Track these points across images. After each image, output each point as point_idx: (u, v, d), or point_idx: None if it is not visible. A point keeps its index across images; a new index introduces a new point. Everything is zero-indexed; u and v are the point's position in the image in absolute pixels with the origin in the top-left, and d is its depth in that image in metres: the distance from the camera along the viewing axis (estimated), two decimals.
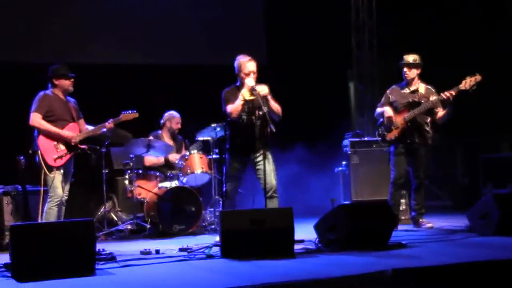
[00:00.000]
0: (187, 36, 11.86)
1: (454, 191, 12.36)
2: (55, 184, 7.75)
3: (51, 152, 7.76)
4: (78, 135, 7.95)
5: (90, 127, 8.18)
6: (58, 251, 5.68)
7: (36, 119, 7.78)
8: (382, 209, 7.25)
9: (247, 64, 7.66)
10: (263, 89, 7.48)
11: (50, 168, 7.72)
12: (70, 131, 7.92)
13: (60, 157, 7.78)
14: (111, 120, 8.19)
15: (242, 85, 7.66)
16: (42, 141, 7.77)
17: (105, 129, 8.18)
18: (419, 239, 7.44)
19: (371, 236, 6.79)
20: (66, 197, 7.96)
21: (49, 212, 7.75)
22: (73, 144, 7.87)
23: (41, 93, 7.93)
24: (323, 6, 12.37)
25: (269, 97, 7.52)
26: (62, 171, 7.81)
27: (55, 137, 7.81)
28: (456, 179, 12.65)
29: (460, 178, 12.54)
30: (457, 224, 8.45)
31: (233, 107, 7.54)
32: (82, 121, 8.19)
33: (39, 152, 7.73)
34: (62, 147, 7.83)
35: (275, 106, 7.59)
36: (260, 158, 7.63)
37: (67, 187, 7.98)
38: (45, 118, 7.80)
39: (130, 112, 8.35)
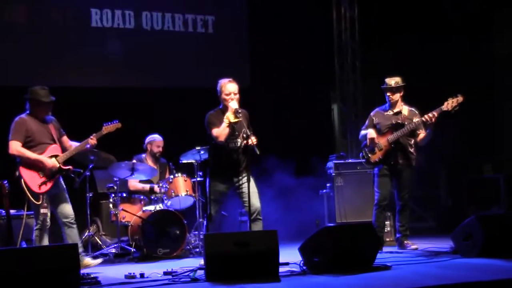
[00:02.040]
0: (170, 59, 11.87)
1: (438, 212, 12.40)
2: (41, 211, 7.52)
3: (35, 178, 7.56)
4: (61, 157, 7.74)
5: (75, 143, 7.96)
6: (42, 276, 5.64)
7: (15, 147, 7.56)
8: (367, 231, 7.24)
9: (228, 86, 7.68)
10: (233, 105, 7.52)
11: (36, 195, 7.52)
12: (53, 153, 7.70)
13: (45, 182, 7.58)
14: (93, 134, 7.92)
15: (225, 107, 7.66)
16: (24, 168, 7.58)
17: (89, 145, 7.89)
18: (403, 260, 7.43)
19: (355, 258, 6.79)
20: (72, 219, 7.74)
21: (37, 239, 7.57)
22: (56, 167, 7.67)
23: (17, 118, 7.70)
24: (307, 28, 12.44)
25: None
26: (48, 196, 7.60)
27: (37, 164, 7.58)
28: (440, 201, 12.70)
29: (444, 200, 12.60)
30: (442, 246, 8.45)
31: (219, 131, 7.52)
32: (65, 138, 7.99)
33: (23, 180, 7.52)
34: (45, 172, 7.60)
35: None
36: (243, 181, 7.61)
37: (68, 207, 7.75)
38: (25, 143, 7.59)
39: (111, 123, 8.14)
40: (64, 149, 7.90)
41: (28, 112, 7.77)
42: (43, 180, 7.59)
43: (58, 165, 7.68)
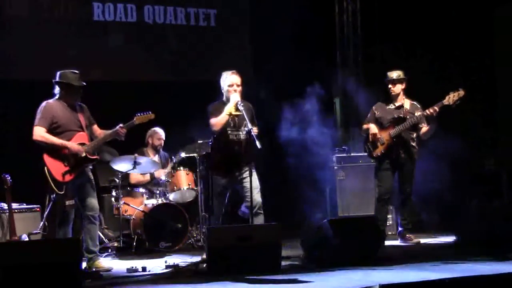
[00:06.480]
0: (172, 53, 11.88)
1: (440, 206, 12.38)
2: (67, 203, 7.14)
3: (59, 167, 7.09)
4: (87, 145, 7.27)
5: (105, 132, 7.50)
6: (44, 270, 5.65)
7: (39, 133, 7.09)
8: (369, 224, 7.26)
9: (230, 77, 7.66)
10: (235, 97, 7.49)
11: (59, 185, 7.06)
12: (79, 141, 7.25)
13: (69, 172, 7.11)
14: (122, 124, 7.43)
15: (228, 99, 7.64)
16: (48, 156, 7.10)
17: (118, 135, 7.41)
18: (405, 254, 7.44)
19: (358, 252, 6.80)
20: (96, 213, 7.35)
21: (60, 233, 7.17)
22: (82, 156, 7.19)
23: (44, 103, 7.26)
24: (308, 22, 12.41)
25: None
26: (73, 187, 7.19)
27: (62, 151, 7.13)
28: (442, 195, 12.68)
29: (446, 194, 12.57)
30: (444, 240, 8.46)
31: (217, 120, 7.52)
32: (95, 126, 7.55)
33: (46, 168, 7.05)
34: (70, 160, 7.15)
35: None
36: (245, 175, 7.61)
37: (94, 199, 7.35)
38: (51, 130, 7.14)
39: (144, 113, 7.64)
40: (93, 138, 7.47)
41: (57, 97, 7.37)
42: (67, 169, 7.12)
43: (85, 149, 7.23)
